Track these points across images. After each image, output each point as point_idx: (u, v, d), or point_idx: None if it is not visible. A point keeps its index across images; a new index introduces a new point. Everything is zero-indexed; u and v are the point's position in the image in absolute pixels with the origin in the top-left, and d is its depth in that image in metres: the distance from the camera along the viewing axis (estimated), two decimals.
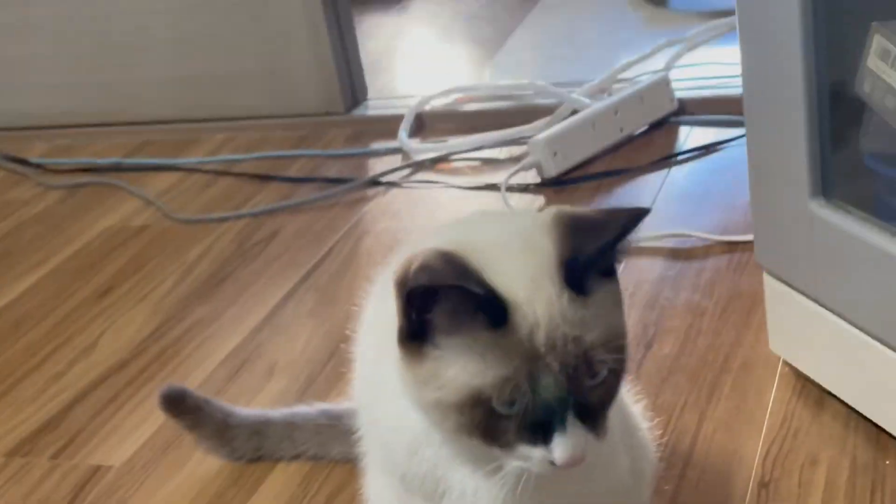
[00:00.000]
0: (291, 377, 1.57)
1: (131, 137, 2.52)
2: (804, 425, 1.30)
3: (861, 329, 1.23)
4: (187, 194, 2.22)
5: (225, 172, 2.28)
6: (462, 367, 0.81)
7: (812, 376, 1.35)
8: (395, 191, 2.10)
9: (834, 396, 1.32)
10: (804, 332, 1.33)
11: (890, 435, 1.25)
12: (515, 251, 0.84)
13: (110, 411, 1.56)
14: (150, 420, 1.51)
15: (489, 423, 0.82)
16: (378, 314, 0.97)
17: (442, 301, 0.80)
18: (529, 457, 0.83)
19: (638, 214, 0.84)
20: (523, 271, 0.82)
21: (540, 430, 0.82)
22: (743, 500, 1.21)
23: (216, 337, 1.70)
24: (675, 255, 1.73)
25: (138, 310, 1.82)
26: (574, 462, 0.82)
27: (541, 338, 0.80)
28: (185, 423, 1.40)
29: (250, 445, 1.39)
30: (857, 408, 1.29)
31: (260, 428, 1.39)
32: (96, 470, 1.43)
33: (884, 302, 1.18)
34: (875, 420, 1.26)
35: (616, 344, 0.83)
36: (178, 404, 1.39)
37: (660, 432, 1.32)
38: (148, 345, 1.71)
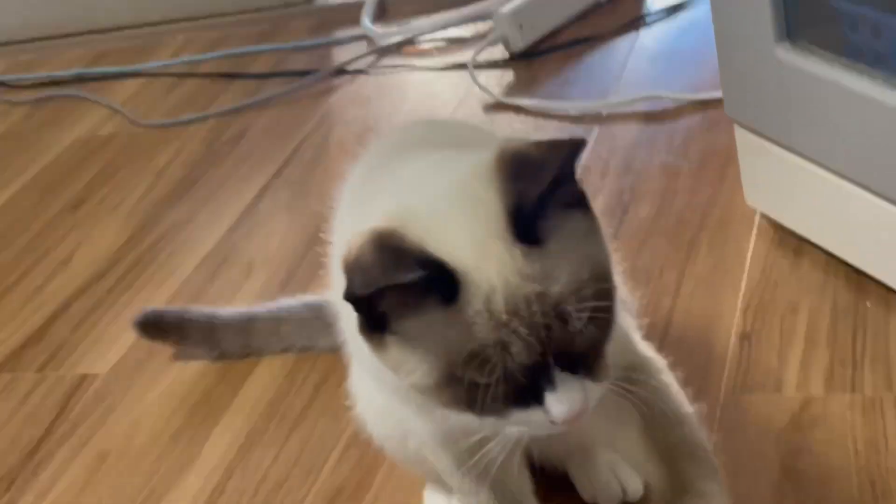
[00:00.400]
0: (270, 273, 1.56)
1: (91, 47, 2.47)
2: (783, 275, 1.30)
3: (836, 173, 1.21)
4: (152, 99, 2.18)
5: (188, 74, 2.24)
6: (425, 350, 0.75)
7: (789, 226, 1.34)
8: (362, 78, 2.07)
9: (812, 244, 1.32)
10: (779, 183, 1.31)
11: (869, 277, 1.25)
12: (458, 210, 0.75)
13: (92, 321, 1.55)
14: (131, 327, 1.50)
15: (473, 395, 0.75)
16: (349, 216, 0.94)
17: (388, 293, 0.74)
18: (528, 421, 0.77)
19: (576, 145, 0.76)
20: (468, 233, 0.74)
21: (530, 392, 0.75)
22: (725, 353, 1.21)
23: (192, 240, 1.69)
24: (648, 118, 1.71)
25: (112, 219, 1.80)
26: (575, 416, 0.75)
27: (499, 303, 0.73)
28: (172, 340, 1.40)
29: (238, 343, 1.39)
30: (836, 253, 1.28)
31: (246, 325, 1.38)
32: (83, 379, 1.43)
33: (856, 143, 1.16)
34: (854, 263, 1.26)
35: (593, 289, 0.74)
36: (157, 327, 1.39)
37: (640, 294, 1.32)
38: (124, 253, 1.70)
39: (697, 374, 1.19)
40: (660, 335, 1.25)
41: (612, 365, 0.79)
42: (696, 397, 1.15)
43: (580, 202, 0.78)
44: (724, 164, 1.53)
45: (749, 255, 1.35)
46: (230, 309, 1.41)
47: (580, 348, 0.75)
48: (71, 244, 1.75)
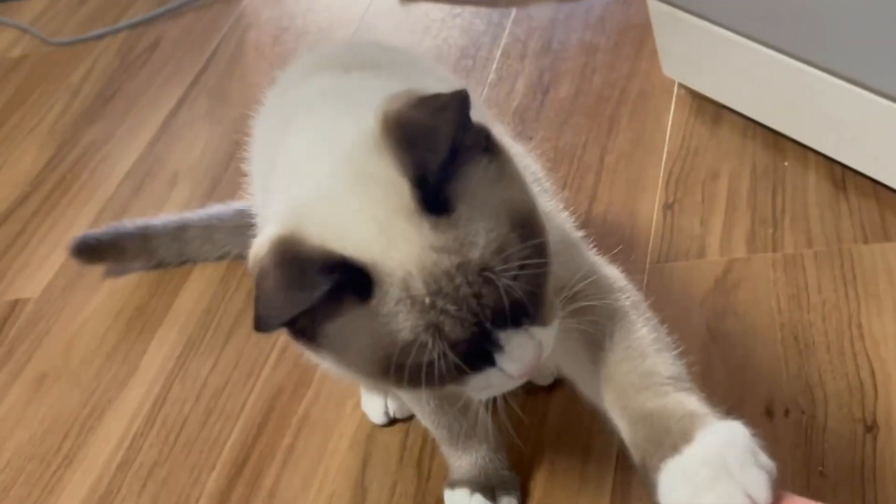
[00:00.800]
0: (195, 182, 1.55)
1: None
2: (703, 143, 1.31)
3: (748, 37, 1.22)
4: (61, 16, 2.12)
5: None
6: (357, 349, 0.71)
7: (707, 94, 1.35)
8: None
9: (730, 110, 1.33)
10: (694, 51, 1.31)
11: (786, 137, 1.26)
12: (353, 194, 0.70)
13: (19, 245, 1.53)
14: (59, 248, 1.49)
15: (419, 375, 0.70)
16: (267, 142, 0.92)
17: (300, 315, 0.69)
18: (488, 383, 0.74)
19: (462, 101, 0.69)
20: (369, 218, 0.69)
21: (480, 357, 0.71)
22: (649, 224, 1.22)
23: (113, 155, 1.66)
24: None
25: (30, 141, 1.76)
26: (531, 366, 0.72)
27: (419, 287, 0.68)
28: (110, 259, 1.39)
29: (174, 251, 1.38)
30: (753, 117, 1.30)
31: (179, 233, 1.38)
32: (14, 304, 1.42)
33: (765, 4, 1.16)
34: (771, 125, 1.27)
35: (517, 238, 0.70)
36: (94, 250, 1.38)
37: (563, 173, 1.33)
38: (46, 174, 1.67)
39: (623, 246, 1.20)
40: (585, 211, 1.26)
41: (556, 302, 0.75)
42: (622, 269, 1.18)
43: (486, 146, 0.72)
44: (641, 37, 1.53)
45: (669, 125, 1.35)
46: (163, 217, 1.40)
47: (518, 302, 0.70)
48: None
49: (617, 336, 0.80)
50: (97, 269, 1.42)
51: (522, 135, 1.42)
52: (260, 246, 0.71)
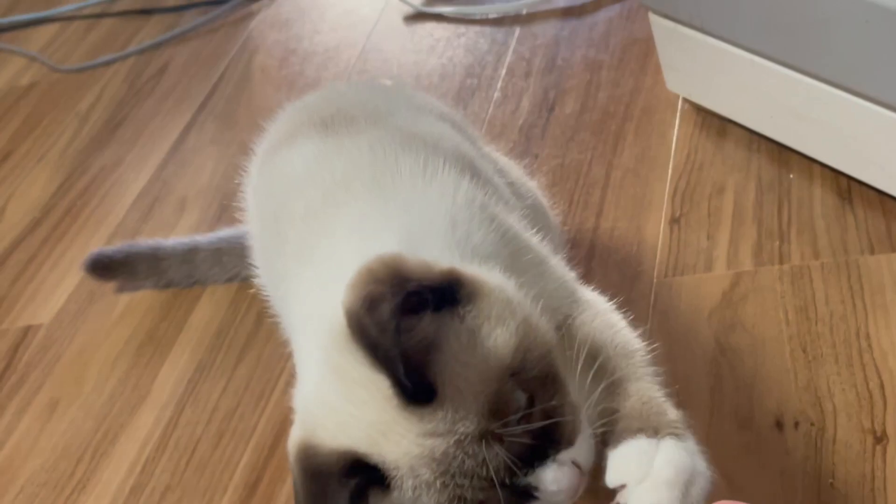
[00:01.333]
0: (203, 207, 1.56)
1: None
2: (708, 157, 1.31)
3: (750, 50, 1.22)
4: (70, 43, 2.14)
5: (104, 14, 2.20)
6: None
7: (711, 107, 1.35)
8: (280, 1, 2.04)
9: (734, 123, 1.33)
10: (697, 66, 1.32)
11: (791, 150, 1.26)
12: (346, 400, 0.71)
13: (31, 272, 1.54)
14: (70, 274, 1.50)
15: None
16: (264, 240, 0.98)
17: None
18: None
19: (402, 300, 0.68)
20: (365, 422, 0.70)
21: (522, 496, 0.71)
22: (656, 239, 1.23)
23: (122, 181, 1.67)
24: (567, 13, 1.70)
25: (40, 169, 1.78)
26: (577, 488, 0.72)
27: (425, 472, 0.70)
28: (121, 277, 1.40)
29: (183, 272, 1.39)
30: (758, 130, 1.30)
31: (189, 256, 1.38)
32: (27, 331, 1.43)
33: (766, 17, 1.17)
34: (775, 138, 1.28)
35: (510, 387, 0.69)
36: (106, 267, 1.39)
37: (570, 189, 1.34)
38: (56, 201, 1.68)
39: (631, 261, 1.21)
40: (592, 228, 1.27)
41: (582, 407, 0.74)
42: (630, 284, 1.18)
43: (446, 305, 0.71)
44: (644, 52, 1.54)
45: (674, 140, 1.36)
46: (173, 239, 1.41)
47: (537, 440, 0.70)
48: (2, 198, 1.73)
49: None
50: (107, 296, 1.43)
51: (528, 152, 1.43)
52: (290, 446, 0.75)
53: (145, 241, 1.41)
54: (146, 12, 2.14)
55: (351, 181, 0.85)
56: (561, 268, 0.89)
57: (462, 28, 1.77)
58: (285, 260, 0.88)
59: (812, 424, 0.97)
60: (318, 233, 0.84)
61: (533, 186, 1.15)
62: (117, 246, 1.41)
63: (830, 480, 0.92)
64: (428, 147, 0.88)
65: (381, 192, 0.84)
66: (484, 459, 0.69)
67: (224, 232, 1.40)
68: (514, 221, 0.88)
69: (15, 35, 2.23)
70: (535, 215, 0.99)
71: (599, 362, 0.79)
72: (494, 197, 0.88)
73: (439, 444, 0.69)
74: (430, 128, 0.95)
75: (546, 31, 1.68)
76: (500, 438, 0.69)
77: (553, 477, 0.70)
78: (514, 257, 0.82)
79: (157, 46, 2.01)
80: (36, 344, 1.40)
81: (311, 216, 0.86)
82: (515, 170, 1.17)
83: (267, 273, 1.01)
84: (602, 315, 0.86)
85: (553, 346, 0.74)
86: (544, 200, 1.15)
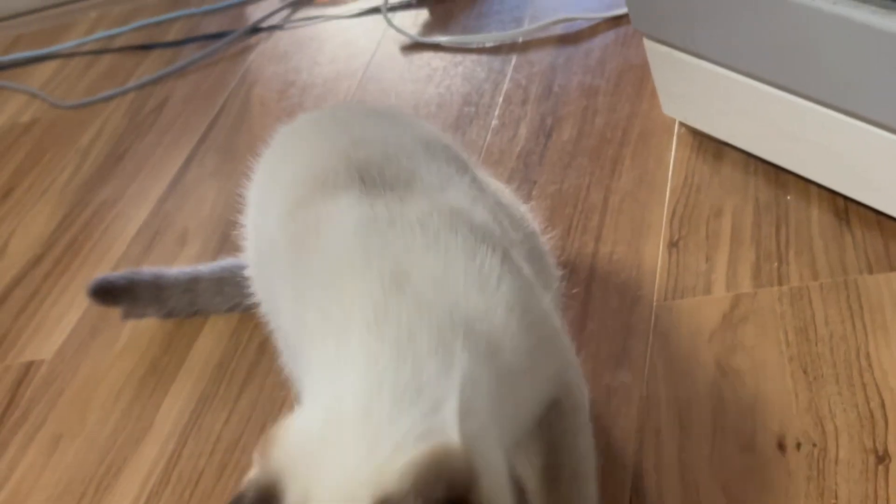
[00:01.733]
0: (205, 239, 1.56)
1: (3, 34, 2.43)
2: (705, 180, 1.32)
3: (745, 74, 1.23)
4: (70, 80, 2.16)
5: (104, 50, 2.22)
6: None
7: (707, 131, 1.36)
8: (277, 34, 2.06)
9: (731, 146, 1.34)
10: (692, 89, 1.33)
11: (788, 171, 1.27)
12: None
13: (33, 308, 1.55)
14: (73, 309, 1.50)
15: None
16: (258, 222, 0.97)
17: None
18: None
19: None
20: None
21: None
22: (655, 262, 1.23)
23: (124, 215, 1.68)
24: (563, 40, 1.72)
25: (42, 204, 1.79)
26: None
27: None
28: (124, 304, 1.40)
29: (185, 301, 1.39)
30: (754, 152, 1.30)
31: (191, 285, 1.39)
32: (29, 366, 1.43)
33: (760, 41, 1.18)
34: (772, 160, 1.28)
35: None
36: (109, 292, 1.40)
37: (568, 214, 1.34)
38: (58, 236, 1.69)
39: (630, 285, 1.21)
40: (591, 253, 1.27)
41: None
42: (630, 308, 1.18)
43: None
44: (640, 78, 1.55)
45: (671, 164, 1.36)
46: (175, 269, 1.41)
47: None
48: (4, 234, 1.74)
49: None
50: (110, 330, 1.44)
51: (527, 179, 1.43)
52: None
53: (148, 269, 1.42)
54: (146, 47, 2.16)
55: (409, 272, 0.83)
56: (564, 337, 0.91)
57: (459, 57, 1.78)
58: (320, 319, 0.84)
59: (814, 445, 0.97)
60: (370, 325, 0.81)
61: (526, 212, 1.15)
62: (121, 272, 1.42)
63: (833, 501, 0.92)
64: (476, 233, 0.87)
65: (443, 297, 0.81)
66: None
67: (226, 262, 1.40)
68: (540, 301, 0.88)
69: (16, 72, 2.24)
70: (533, 256, 1.00)
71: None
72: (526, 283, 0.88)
73: None
74: (463, 196, 0.93)
75: (542, 58, 1.70)
76: None
77: None
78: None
79: (156, 81, 2.02)
80: (39, 379, 1.41)
81: (362, 298, 0.82)
82: (509, 198, 1.16)
83: (274, 305, 1.00)
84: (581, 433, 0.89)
85: None
86: (538, 231, 1.15)
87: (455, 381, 0.74)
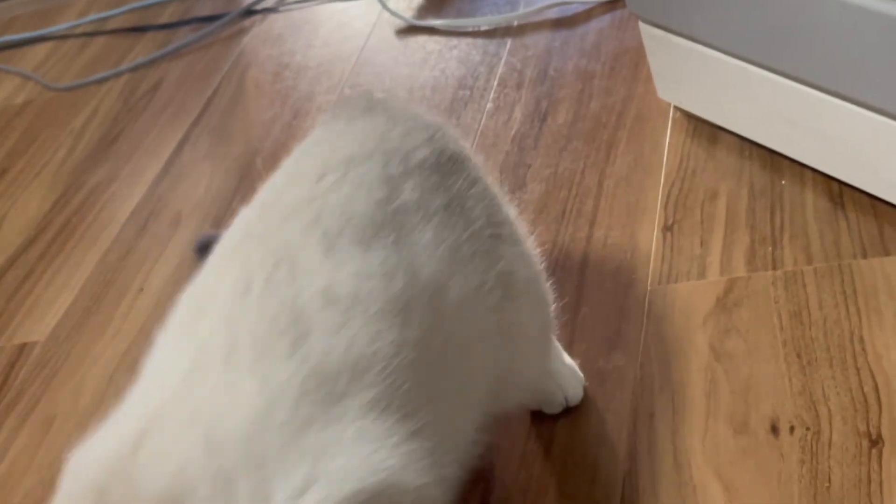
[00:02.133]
0: (199, 220, 1.56)
1: None
2: (700, 164, 1.32)
3: (740, 57, 1.23)
4: (64, 62, 2.15)
5: (98, 32, 2.20)
6: None
7: (702, 115, 1.36)
8: (272, 17, 2.05)
9: (726, 130, 1.34)
10: (687, 73, 1.32)
11: (783, 156, 1.27)
12: None
13: (26, 289, 1.54)
14: (66, 290, 1.50)
15: None
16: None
17: None
18: None
19: None
20: None
21: None
22: (650, 246, 1.23)
23: (118, 196, 1.68)
24: (558, 24, 1.71)
25: (36, 185, 1.78)
26: None
27: None
28: None
29: None
30: (749, 136, 1.30)
31: None
32: (22, 348, 1.43)
33: (755, 24, 1.17)
34: (767, 144, 1.28)
35: None
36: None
37: (563, 198, 1.34)
38: (52, 217, 1.68)
39: (625, 269, 1.21)
40: (585, 237, 1.27)
41: None
42: (624, 291, 1.18)
43: None
44: (636, 61, 1.54)
45: (666, 148, 1.36)
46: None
47: None
48: None
49: None
50: (103, 312, 1.44)
51: (521, 162, 1.43)
52: None
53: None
54: (139, 30, 2.15)
55: None
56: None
57: (454, 40, 1.77)
58: None
59: (807, 429, 0.97)
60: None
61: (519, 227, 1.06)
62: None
63: (826, 484, 0.92)
64: None
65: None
66: None
67: None
68: None
69: (9, 54, 2.23)
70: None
71: None
72: None
73: None
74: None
75: (537, 41, 1.69)
76: None
77: None
78: None
79: (150, 63, 2.01)
80: (32, 360, 1.40)
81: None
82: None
83: None
84: None
85: None
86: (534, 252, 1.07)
87: None
